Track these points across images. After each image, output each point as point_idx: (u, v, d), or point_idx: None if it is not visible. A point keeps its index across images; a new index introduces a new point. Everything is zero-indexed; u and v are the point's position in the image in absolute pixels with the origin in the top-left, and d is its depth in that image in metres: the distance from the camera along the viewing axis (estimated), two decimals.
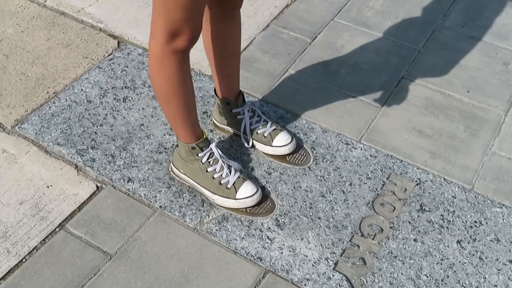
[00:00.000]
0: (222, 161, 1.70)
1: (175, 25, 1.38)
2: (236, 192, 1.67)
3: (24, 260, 1.57)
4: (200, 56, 2.08)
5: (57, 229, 1.64)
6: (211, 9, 1.59)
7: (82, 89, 2.04)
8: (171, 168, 1.77)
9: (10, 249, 1.58)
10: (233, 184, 1.68)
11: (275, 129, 1.83)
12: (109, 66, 2.13)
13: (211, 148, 1.69)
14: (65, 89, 2.03)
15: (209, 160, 1.69)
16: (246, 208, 1.69)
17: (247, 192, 1.68)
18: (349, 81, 2.13)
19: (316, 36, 2.31)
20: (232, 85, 1.80)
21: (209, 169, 1.68)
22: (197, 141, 1.66)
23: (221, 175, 1.68)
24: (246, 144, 1.85)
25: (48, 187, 1.74)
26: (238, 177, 1.70)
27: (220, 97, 1.82)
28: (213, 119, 1.92)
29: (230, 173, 1.69)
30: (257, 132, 1.83)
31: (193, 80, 1.61)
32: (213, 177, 1.68)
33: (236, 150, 1.86)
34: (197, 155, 1.68)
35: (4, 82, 2.05)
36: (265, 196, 1.74)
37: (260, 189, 1.70)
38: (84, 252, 1.59)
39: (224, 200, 1.68)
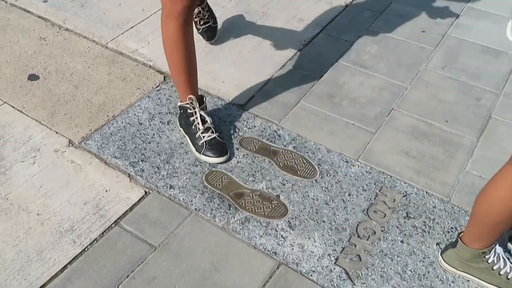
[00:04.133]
0: (505, 257, 1.49)
1: None
2: None
3: (86, 249, 1.59)
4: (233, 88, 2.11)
5: (113, 225, 1.67)
6: None
7: (134, 114, 2.08)
8: (444, 265, 1.57)
9: (75, 240, 1.62)
10: None
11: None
12: (157, 96, 2.18)
13: (495, 250, 1.48)
14: (121, 114, 2.08)
15: (493, 260, 1.49)
16: (264, 211, 1.71)
17: None
18: (349, 111, 2.14)
19: (323, 75, 2.33)
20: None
21: (495, 268, 1.49)
22: (485, 248, 1.46)
23: (506, 270, 1.49)
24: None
25: (106, 191, 1.77)
26: None
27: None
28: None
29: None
30: None
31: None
32: (500, 274, 1.49)
33: (257, 165, 1.88)
34: (485, 257, 1.49)
35: (73, 107, 2.10)
36: (280, 202, 1.75)
37: None
38: (134, 244, 1.61)
39: None
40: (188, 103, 1.86)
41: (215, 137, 1.86)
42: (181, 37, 1.71)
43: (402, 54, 2.46)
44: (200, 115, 1.87)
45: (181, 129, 1.96)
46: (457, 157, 1.96)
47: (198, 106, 1.87)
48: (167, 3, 1.64)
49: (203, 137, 1.85)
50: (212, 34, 2.44)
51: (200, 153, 1.86)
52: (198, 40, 2.46)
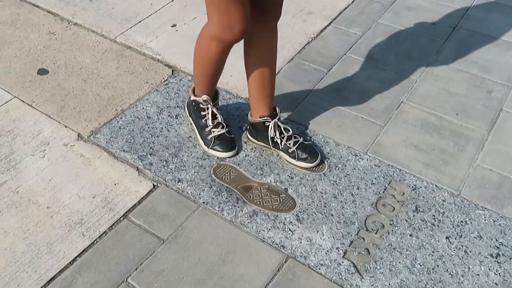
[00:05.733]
0: None
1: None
2: None
3: (95, 242, 1.60)
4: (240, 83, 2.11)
5: (121, 218, 1.67)
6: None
7: (143, 108, 2.08)
8: None
9: (84, 233, 1.63)
10: None
11: None
12: (165, 90, 2.18)
13: None
14: (130, 107, 2.08)
15: None
16: (272, 205, 1.71)
17: None
18: (358, 104, 2.12)
19: (332, 68, 2.32)
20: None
21: None
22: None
23: None
24: None
25: (115, 184, 1.78)
26: None
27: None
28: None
29: None
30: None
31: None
32: None
33: (265, 159, 1.88)
34: None
35: (82, 101, 2.11)
36: (288, 196, 1.75)
37: None
38: (142, 237, 1.62)
39: None
40: (202, 100, 1.84)
41: (224, 132, 1.86)
42: (220, 58, 1.62)
43: (412, 47, 2.44)
44: (212, 111, 1.86)
45: (190, 117, 1.96)
46: (468, 150, 1.93)
47: (211, 104, 1.86)
48: (217, 27, 1.47)
49: (213, 132, 1.85)
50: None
51: (208, 148, 1.86)
52: None
